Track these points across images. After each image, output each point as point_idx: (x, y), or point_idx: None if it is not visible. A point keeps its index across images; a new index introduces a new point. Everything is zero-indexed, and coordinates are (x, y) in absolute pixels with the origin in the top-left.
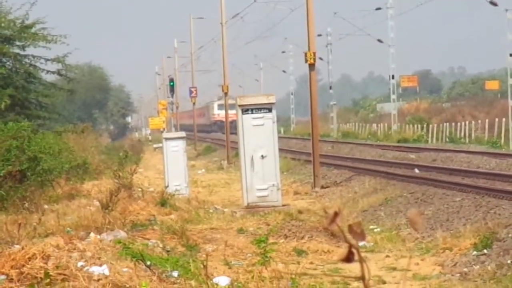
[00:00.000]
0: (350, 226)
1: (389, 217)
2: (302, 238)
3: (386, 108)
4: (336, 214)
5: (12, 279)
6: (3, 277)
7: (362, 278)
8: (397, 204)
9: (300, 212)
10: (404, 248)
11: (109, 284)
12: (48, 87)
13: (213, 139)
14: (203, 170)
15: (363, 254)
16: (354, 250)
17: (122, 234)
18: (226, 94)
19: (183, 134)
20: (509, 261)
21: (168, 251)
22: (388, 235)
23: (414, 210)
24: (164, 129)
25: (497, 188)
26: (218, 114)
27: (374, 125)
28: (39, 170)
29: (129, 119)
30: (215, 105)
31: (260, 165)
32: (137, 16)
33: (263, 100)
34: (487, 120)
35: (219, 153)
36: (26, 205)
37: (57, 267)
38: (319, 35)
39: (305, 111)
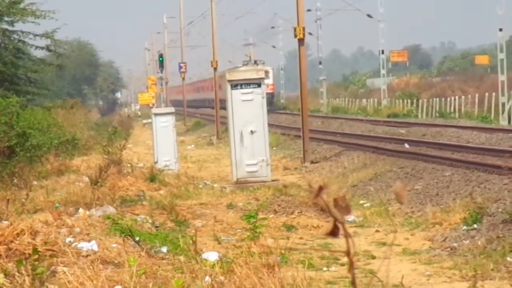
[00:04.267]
0: (335, 200)
1: (379, 192)
2: (292, 213)
3: (376, 83)
4: (321, 188)
5: (0, 255)
6: None
7: (347, 252)
8: (387, 179)
9: (285, 186)
10: (393, 223)
11: (97, 260)
12: (37, 62)
13: (202, 115)
14: (193, 145)
15: (352, 229)
16: (339, 225)
17: (111, 209)
18: (215, 69)
19: (172, 109)
20: (498, 236)
21: (157, 226)
22: (377, 210)
23: (399, 183)
24: (153, 104)
25: (487, 162)
26: None
27: (364, 100)
28: (28, 146)
29: (118, 94)
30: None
31: (249, 140)
32: None
33: (252, 75)
34: (477, 95)
35: (209, 129)
36: (15, 181)
37: (45, 243)
38: (309, 10)
39: (294, 86)
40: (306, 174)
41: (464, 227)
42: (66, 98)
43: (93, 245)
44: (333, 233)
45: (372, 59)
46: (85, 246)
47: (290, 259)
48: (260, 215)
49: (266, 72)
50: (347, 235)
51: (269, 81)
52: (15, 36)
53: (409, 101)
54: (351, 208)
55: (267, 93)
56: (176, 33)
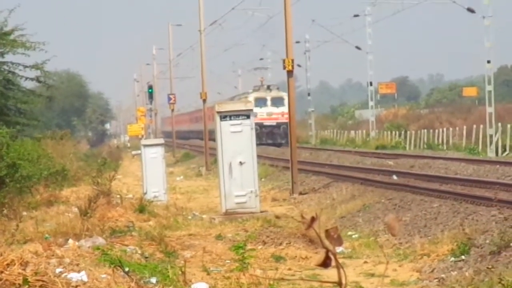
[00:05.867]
0: (327, 231)
1: (367, 223)
2: (280, 244)
3: (364, 115)
4: (313, 219)
5: None
6: None
7: (339, 283)
8: (375, 211)
9: (277, 217)
10: (382, 254)
11: None
12: (27, 93)
13: (192, 146)
14: (182, 176)
15: (341, 260)
16: (331, 255)
17: (100, 240)
18: (204, 101)
19: (161, 141)
20: (486, 267)
21: (146, 257)
22: (366, 241)
23: (391, 215)
24: (142, 135)
25: (475, 194)
26: (264, 113)
27: (352, 131)
28: (17, 177)
29: (107, 126)
30: (251, 98)
31: (238, 171)
32: (115, 24)
33: (241, 106)
34: (464, 127)
35: (198, 160)
36: (5, 211)
37: (35, 273)
38: (297, 42)
39: None
40: (296, 205)
41: (452, 259)
42: (56, 129)
43: (82, 276)
44: (325, 264)
45: (361, 91)
46: (74, 276)
47: None
48: (249, 246)
49: (281, 99)
50: (339, 266)
51: (284, 108)
52: (5, 67)
53: (397, 132)
54: (343, 240)
55: (282, 123)
56: (165, 65)
